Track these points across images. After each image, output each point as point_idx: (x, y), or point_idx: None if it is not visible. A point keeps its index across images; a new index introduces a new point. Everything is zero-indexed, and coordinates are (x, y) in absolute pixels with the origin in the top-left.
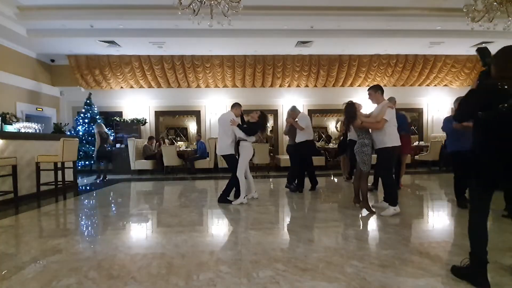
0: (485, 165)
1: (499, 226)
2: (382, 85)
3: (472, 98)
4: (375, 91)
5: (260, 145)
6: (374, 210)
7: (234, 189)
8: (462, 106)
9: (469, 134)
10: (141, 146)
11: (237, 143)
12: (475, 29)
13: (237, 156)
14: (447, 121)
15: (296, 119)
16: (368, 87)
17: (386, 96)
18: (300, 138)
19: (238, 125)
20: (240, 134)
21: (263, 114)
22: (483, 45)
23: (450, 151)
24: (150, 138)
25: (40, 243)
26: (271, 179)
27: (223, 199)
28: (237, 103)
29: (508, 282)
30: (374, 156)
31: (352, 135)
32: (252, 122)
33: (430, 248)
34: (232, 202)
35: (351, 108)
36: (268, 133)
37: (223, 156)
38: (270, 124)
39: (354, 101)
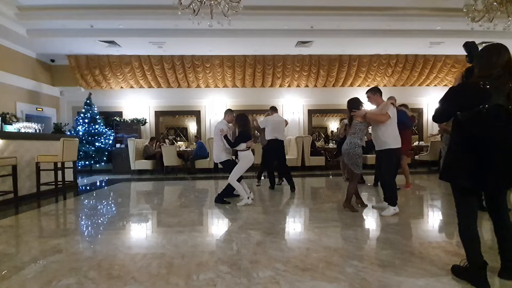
0: (463, 168)
1: None
2: (382, 85)
3: (453, 98)
4: (374, 93)
5: (260, 145)
6: (357, 210)
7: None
8: (442, 106)
9: None
10: (141, 146)
11: (236, 153)
12: (475, 29)
13: (236, 160)
14: None
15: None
16: (368, 88)
17: (384, 96)
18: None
19: (225, 136)
20: (227, 145)
21: (240, 117)
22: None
23: None
24: (152, 139)
25: (40, 243)
26: None
27: (220, 200)
28: (229, 110)
29: (508, 283)
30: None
31: None
32: (238, 135)
33: (430, 248)
34: (237, 204)
35: (355, 101)
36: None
37: (220, 163)
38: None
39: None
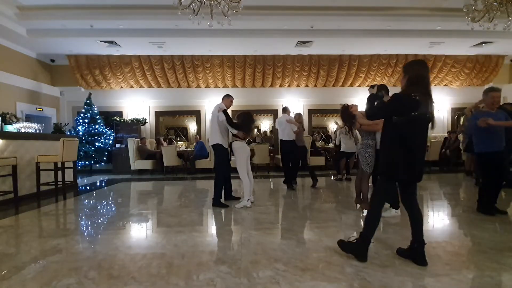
0: (401, 165)
1: (499, 226)
2: None
3: (391, 105)
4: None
5: (260, 145)
6: None
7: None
8: (380, 110)
9: (500, 133)
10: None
11: (229, 145)
12: (475, 29)
13: (230, 156)
14: (474, 120)
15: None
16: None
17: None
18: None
19: (225, 111)
20: (224, 121)
21: (245, 115)
22: (483, 45)
23: (480, 152)
24: (142, 139)
25: (40, 243)
26: (271, 179)
27: (217, 203)
28: (227, 94)
29: (508, 282)
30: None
31: (345, 147)
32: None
33: (430, 248)
34: (235, 206)
35: (345, 112)
36: (255, 132)
37: (212, 146)
38: (258, 124)
39: (354, 101)
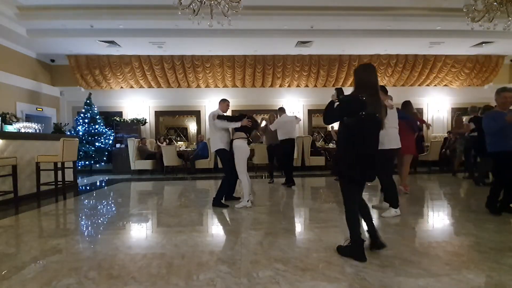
0: (358, 166)
1: (499, 226)
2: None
3: (345, 106)
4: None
5: (260, 145)
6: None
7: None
8: (333, 112)
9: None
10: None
11: (231, 143)
12: (475, 29)
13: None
14: (491, 118)
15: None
16: None
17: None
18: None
19: (218, 116)
20: (224, 124)
21: (253, 120)
22: (483, 45)
23: (494, 152)
24: (142, 139)
25: (40, 243)
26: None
27: (218, 203)
28: (223, 99)
29: (508, 282)
30: None
31: None
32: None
33: (430, 248)
34: (235, 206)
35: None
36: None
37: (215, 152)
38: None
39: None
